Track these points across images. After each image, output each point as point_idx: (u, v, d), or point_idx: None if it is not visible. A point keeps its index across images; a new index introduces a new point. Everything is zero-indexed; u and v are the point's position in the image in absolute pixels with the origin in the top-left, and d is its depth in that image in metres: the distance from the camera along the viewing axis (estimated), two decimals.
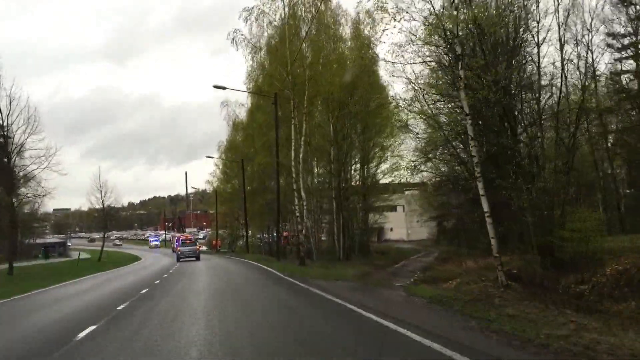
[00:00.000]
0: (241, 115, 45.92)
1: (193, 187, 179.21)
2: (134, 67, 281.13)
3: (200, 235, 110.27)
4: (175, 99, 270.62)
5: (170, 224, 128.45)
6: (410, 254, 37.21)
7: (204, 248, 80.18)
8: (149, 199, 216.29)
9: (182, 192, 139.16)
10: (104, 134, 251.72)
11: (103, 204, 50.78)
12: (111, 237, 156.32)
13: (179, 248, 45.18)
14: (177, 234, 74.84)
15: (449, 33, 13.71)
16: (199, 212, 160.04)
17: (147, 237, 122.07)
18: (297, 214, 24.98)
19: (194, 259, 41.17)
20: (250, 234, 60.36)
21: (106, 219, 53.18)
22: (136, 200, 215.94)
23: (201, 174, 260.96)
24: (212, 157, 45.21)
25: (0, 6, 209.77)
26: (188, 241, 46.09)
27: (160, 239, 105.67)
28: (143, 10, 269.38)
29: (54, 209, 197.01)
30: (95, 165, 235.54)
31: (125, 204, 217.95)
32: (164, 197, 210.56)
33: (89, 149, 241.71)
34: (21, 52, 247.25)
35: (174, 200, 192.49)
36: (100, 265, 44.61)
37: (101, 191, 49.99)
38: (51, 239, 78.67)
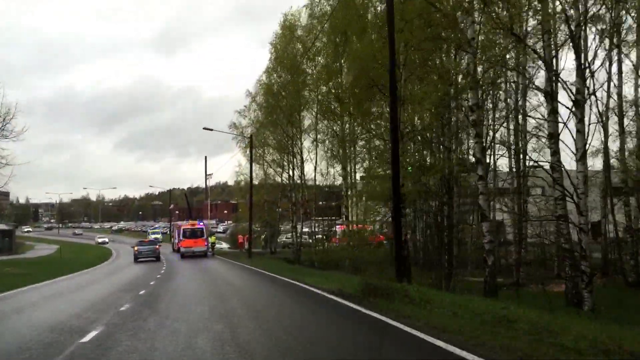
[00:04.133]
0: None
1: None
2: (180, 59, 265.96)
3: (220, 229, 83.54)
4: (215, 91, 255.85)
5: (172, 206, 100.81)
6: None
7: (224, 246, 53.20)
8: (167, 190, 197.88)
9: (202, 185, 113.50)
10: (140, 124, 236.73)
11: None
12: (113, 228, 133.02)
13: (136, 247, 38.45)
14: (180, 222, 47.88)
15: None
16: (219, 202, 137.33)
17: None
18: None
19: (154, 259, 36.54)
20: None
21: None
22: (156, 191, 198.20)
23: (229, 167, 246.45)
24: None
25: None
26: (147, 241, 40.81)
27: (165, 232, 79.44)
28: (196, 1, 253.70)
29: (72, 199, 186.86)
30: (126, 156, 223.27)
31: (143, 194, 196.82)
32: (183, 189, 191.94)
33: (123, 139, 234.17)
34: (69, 41, 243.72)
35: (194, 192, 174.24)
36: None
37: None
38: None
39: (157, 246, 38.67)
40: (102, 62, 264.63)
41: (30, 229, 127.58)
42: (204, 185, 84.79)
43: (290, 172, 33.10)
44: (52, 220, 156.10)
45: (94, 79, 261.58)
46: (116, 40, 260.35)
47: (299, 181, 33.07)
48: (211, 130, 30.62)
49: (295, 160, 32.47)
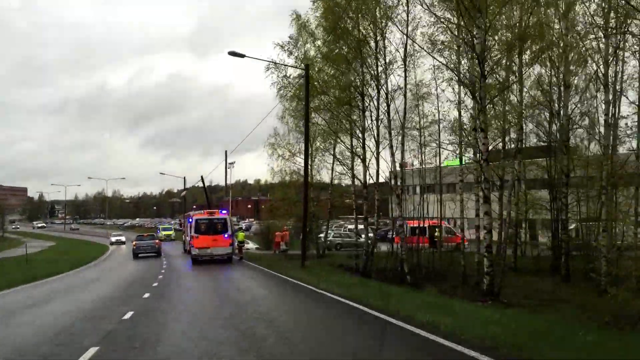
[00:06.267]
0: None
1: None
2: (214, 58, 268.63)
3: (242, 226, 72.84)
4: (245, 91, 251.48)
5: (184, 193, 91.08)
6: None
7: (251, 246, 42.35)
8: (186, 188, 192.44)
9: (222, 183, 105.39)
10: (167, 123, 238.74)
11: None
12: (125, 224, 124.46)
13: (135, 242, 36.51)
14: (192, 212, 37.16)
15: None
16: (239, 198, 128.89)
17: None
18: None
19: (153, 254, 34.97)
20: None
21: None
22: (175, 189, 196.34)
23: (250, 167, 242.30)
24: None
25: None
26: (146, 236, 38.98)
27: (179, 228, 69.40)
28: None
29: (94, 196, 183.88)
30: (151, 154, 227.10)
31: (164, 192, 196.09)
32: (202, 186, 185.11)
33: (149, 138, 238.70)
34: (103, 39, 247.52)
35: (213, 189, 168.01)
36: None
37: None
38: None
39: (157, 241, 37.72)
40: (135, 61, 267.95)
41: (44, 225, 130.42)
42: (223, 184, 74.79)
43: (360, 136, 21.86)
44: (68, 217, 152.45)
45: (127, 78, 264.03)
46: (149, 39, 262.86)
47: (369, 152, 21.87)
48: (242, 56, 19.71)
49: (369, 119, 21.28)
